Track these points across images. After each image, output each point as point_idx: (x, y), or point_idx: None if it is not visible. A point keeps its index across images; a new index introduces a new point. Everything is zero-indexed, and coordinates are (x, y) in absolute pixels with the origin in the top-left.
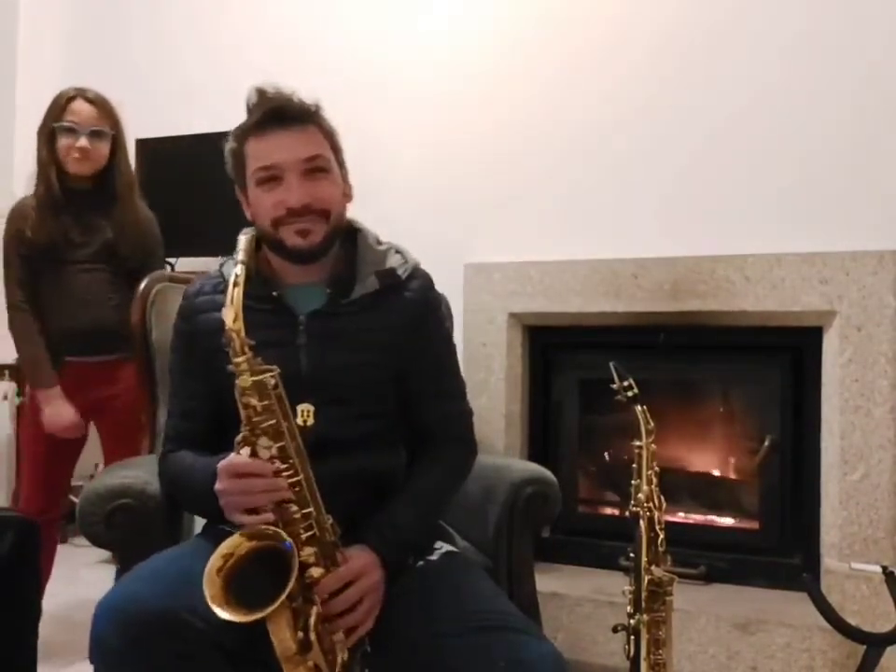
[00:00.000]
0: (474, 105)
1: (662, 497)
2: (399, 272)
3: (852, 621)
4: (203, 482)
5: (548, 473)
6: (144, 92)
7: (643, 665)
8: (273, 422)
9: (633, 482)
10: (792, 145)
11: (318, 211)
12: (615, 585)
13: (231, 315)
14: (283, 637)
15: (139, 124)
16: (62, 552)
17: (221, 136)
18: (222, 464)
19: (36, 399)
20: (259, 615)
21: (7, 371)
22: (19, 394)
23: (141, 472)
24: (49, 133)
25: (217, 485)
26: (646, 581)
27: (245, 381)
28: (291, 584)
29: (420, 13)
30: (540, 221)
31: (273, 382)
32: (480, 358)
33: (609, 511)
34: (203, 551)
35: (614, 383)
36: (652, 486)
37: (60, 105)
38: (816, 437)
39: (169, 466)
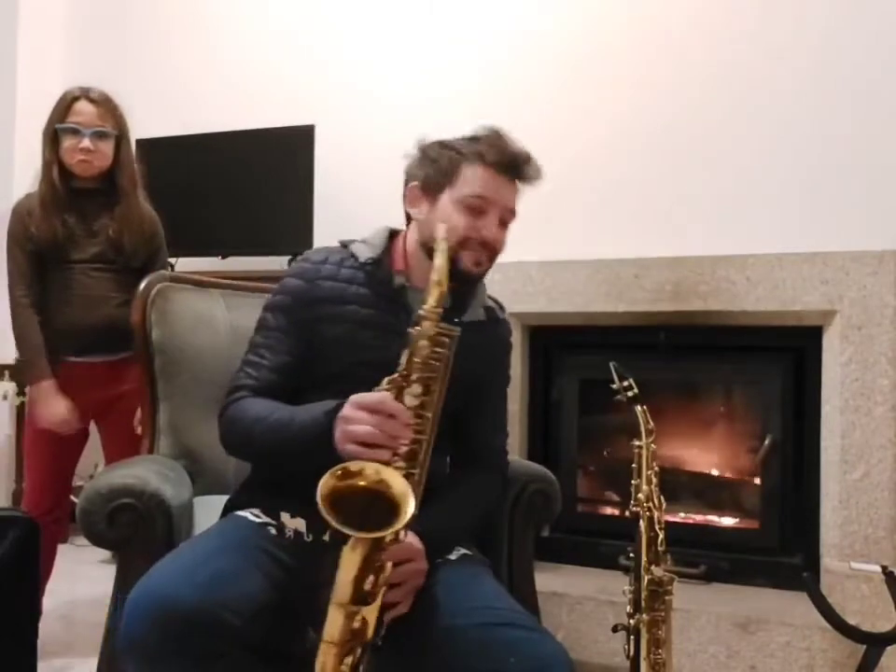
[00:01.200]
0: (474, 105)
1: (662, 497)
2: (497, 313)
3: (852, 620)
4: (311, 414)
5: (548, 473)
6: (144, 92)
7: (643, 665)
8: (430, 375)
9: (633, 481)
10: (793, 145)
11: (494, 252)
12: (615, 585)
13: (440, 272)
14: (347, 580)
15: (139, 124)
16: (62, 551)
17: (221, 136)
18: (361, 395)
19: (31, 394)
20: (365, 534)
21: (7, 371)
22: (19, 394)
23: (142, 472)
24: (52, 134)
25: (345, 411)
26: (646, 581)
27: (429, 327)
28: (407, 520)
29: (421, 14)
30: (541, 222)
31: (449, 341)
32: None
33: (609, 510)
34: (231, 545)
35: (614, 383)
36: (652, 486)
37: (64, 106)
38: (816, 436)
39: (247, 409)
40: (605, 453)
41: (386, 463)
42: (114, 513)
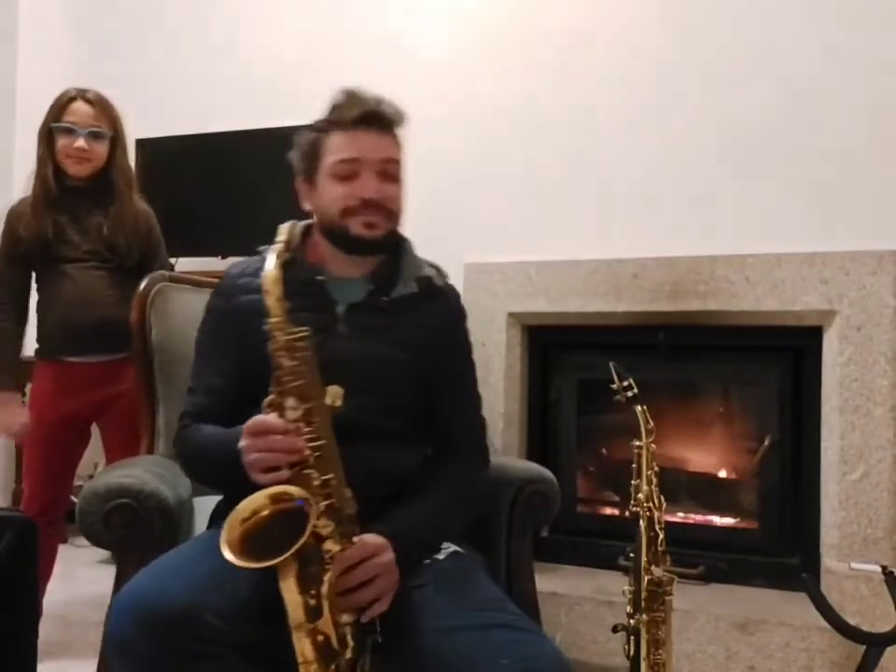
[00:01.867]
0: (474, 106)
1: (661, 497)
2: (436, 282)
3: (852, 621)
4: (227, 448)
5: (547, 473)
6: (144, 92)
7: (643, 665)
8: (301, 382)
9: (633, 482)
10: (792, 145)
11: (386, 210)
12: (615, 585)
13: (270, 278)
14: (294, 601)
15: (139, 124)
16: (62, 551)
17: (220, 136)
18: (248, 423)
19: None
20: (268, 563)
21: None
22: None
23: (140, 472)
24: (47, 133)
25: (241, 443)
26: (645, 581)
27: (277, 340)
28: (304, 537)
29: (419, 14)
30: (541, 221)
31: (303, 343)
32: (479, 358)
33: (608, 510)
34: (216, 548)
35: (614, 383)
36: (652, 486)
37: (59, 106)
38: (815, 437)
39: (190, 438)
40: (604, 453)
41: (289, 480)
42: (111, 513)
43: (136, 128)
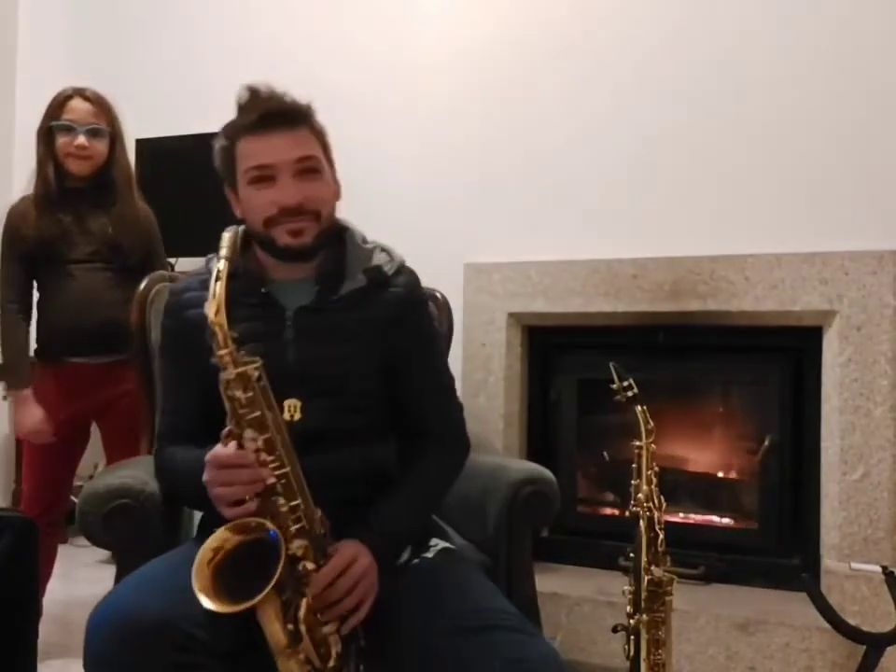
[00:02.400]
0: (474, 106)
1: (661, 497)
2: (386, 269)
3: (852, 621)
4: (196, 476)
5: (547, 473)
6: (144, 92)
7: (643, 666)
8: (257, 414)
9: (633, 482)
10: (792, 145)
11: (310, 212)
12: (615, 585)
13: (213, 307)
14: (273, 630)
15: (139, 124)
16: (62, 551)
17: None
18: (207, 456)
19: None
20: (246, 605)
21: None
22: None
23: (140, 472)
24: (46, 132)
25: (204, 476)
26: (646, 582)
27: (228, 373)
28: (279, 573)
29: (417, 15)
30: (540, 221)
31: (256, 374)
32: (479, 358)
33: (608, 510)
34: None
35: (614, 383)
36: (652, 486)
37: (57, 104)
38: (815, 437)
39: (164, 461)
40: (604, 453)
41: (257, 511)
42: (111, 514)
43: (136, 128)
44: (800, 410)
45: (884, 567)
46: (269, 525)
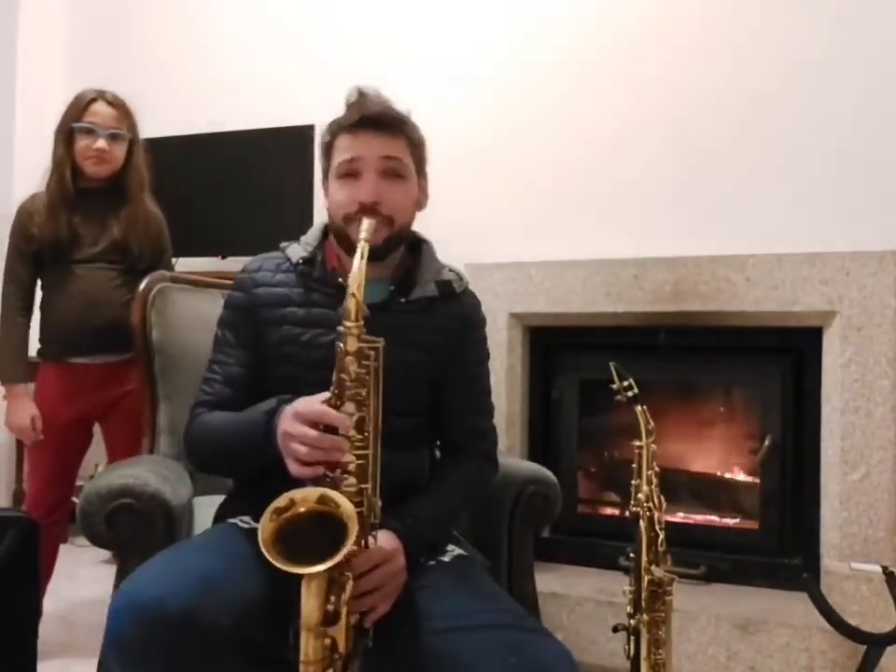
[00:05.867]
0: (475, 106)
1: (662, 497)
2: (455, 286)
3: (852, 621)
4: (249, 429)
5: (548, 473)
6: (144, 92)
7: (643, 665)
8: (363, 391)
9: (633, 482)
10: (792, 146)
11: (384, 216)
12: (615, 585)
13: (356, 282)
14: (313, 605)
15: (139, 124)
16: (62, 551)
17: (221, 137)
18: (299, 406)
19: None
20: (311, 569)
21: None
22: None
23: (141, 472)
24: (67, 133)
25: (287, 426)
26: (646, 581)
27: (351, 343)
28: (348, 546)
29: (421, 19)
30: (541, 222)
31: (373, 353)
32: None
33: (609, 510)
34: (219, 548)
35: (614, 383)
36: (652, 486)
37: (80, 106)
38: (816, 437)
39: (199, 425)
40: (605, 453)
41: (324, 476)
42: (113, 514)
43: None
44: (800, 410)
45: (884, 567)
46: (345, 502)
